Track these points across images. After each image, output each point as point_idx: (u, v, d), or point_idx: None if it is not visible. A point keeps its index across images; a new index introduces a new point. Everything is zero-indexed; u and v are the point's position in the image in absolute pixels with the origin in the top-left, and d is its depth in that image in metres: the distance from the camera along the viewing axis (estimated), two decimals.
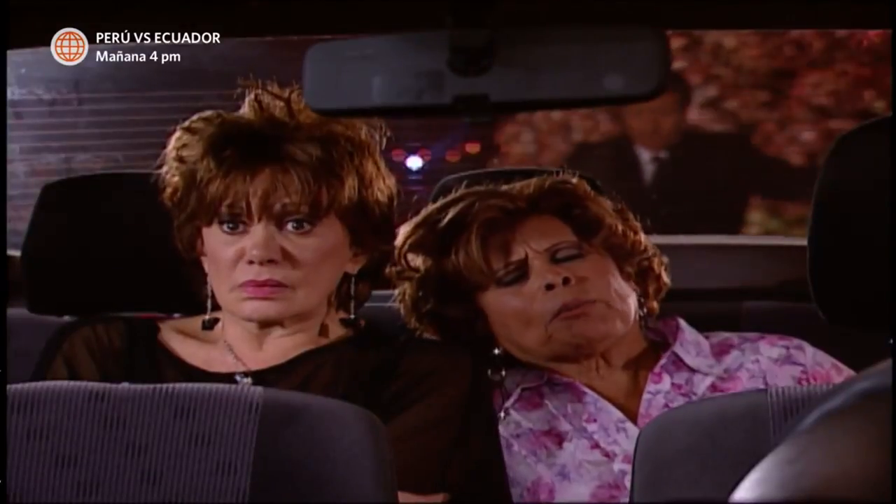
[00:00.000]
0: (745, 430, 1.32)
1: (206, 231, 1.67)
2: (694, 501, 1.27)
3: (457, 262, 1.83)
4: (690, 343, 1.88)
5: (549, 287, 1.80)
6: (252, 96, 1.68)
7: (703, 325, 1.94)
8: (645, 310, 1.89)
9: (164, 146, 1.70)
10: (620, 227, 1.88)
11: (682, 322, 1.93)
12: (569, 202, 1.88)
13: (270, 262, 1.61)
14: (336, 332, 1.73)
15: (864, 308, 1.52)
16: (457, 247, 1.84)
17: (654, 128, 4.33)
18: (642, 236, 1.92)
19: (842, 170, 1.52)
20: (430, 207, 1.91)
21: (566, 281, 1.80)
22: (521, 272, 1.83)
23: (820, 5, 1.65)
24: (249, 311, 1.64)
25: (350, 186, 1.65)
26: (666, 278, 1.93)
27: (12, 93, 3.62)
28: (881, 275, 1.44)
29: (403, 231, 1.85)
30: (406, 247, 1.85)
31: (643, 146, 4.36)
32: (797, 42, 4.31)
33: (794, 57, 4.34)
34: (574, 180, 1.92)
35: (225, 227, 1.64)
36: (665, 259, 1.94)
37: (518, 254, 1.83)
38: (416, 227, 1.87)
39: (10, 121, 3.47)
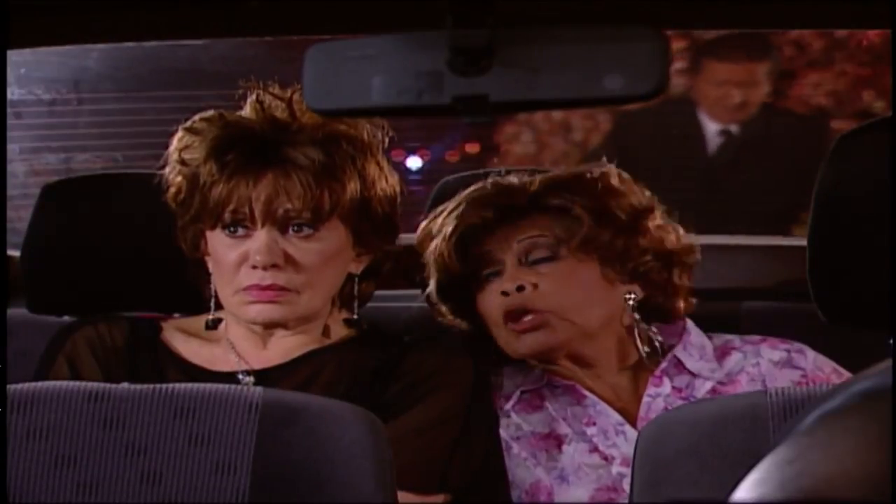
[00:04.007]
0: (744, 431, 1.32)
1: (209, 234, 1.67)
2: (694, 501, 1.27)
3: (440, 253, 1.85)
4: (694, 346, 1.86)
5: (505, 294, 1.79)
6: (254, 97, 1.68)
7: (703, 325, 1.93)
8: (638, 315, 1.86)
9: (164, 146, 1.70)
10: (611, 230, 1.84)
11: (690, 323, 1.90)
12: (561, 203, 1.85)
13: (274, 266, 1.61)
14: (339, 332, 1.73)
15: (864, 308, 1.52)
16: (443, 237, 1.85)
17: (727, 99, 3.93)
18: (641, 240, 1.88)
19: (842, 170, 1.51)
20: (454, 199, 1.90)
21: (520, 288, 1.79)
22: (496, 269, 1.83)
23: (820, 5, 1.64)
24: (254, 315, 1.64)
25: (352, 189, 1.65)
26: (678, 279, 1.88)
27: (12, 93, 3.62)
28: (881, 275, 1.44)
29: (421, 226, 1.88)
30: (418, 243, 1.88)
31: (712, 117, 3.98)
32: (797, 42, 4.30)
33: (793, 57, 4.33)
34: (598, 172, 1.86)
35: (228, 231, 1.64)
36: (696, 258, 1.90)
37: (495, 252, 1.83)
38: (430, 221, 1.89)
39: (9, 121, 3.47)
